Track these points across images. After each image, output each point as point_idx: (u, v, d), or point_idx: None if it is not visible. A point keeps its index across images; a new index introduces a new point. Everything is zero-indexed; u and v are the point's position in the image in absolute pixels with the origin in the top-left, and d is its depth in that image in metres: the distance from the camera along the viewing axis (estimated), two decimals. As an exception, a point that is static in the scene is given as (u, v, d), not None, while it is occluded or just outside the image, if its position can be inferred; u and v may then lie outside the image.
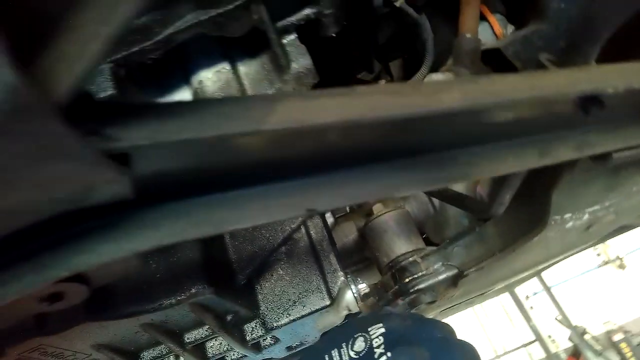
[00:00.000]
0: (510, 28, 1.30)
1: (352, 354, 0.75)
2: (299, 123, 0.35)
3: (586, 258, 7.74)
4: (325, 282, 1.00)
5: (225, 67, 0.81)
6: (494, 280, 1.28)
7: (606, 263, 7.95)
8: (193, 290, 0.80)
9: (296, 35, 0.78)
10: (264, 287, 0.98)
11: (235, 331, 0.95)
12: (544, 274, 6.58)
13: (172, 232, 0.41)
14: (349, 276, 1.07)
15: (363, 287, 1.11)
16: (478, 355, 0.79)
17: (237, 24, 0.69)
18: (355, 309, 1.08)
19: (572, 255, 1.44)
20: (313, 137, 0.44)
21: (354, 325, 0.86)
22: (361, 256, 1.32)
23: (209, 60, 0.81)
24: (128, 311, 0.77)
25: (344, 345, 0.77)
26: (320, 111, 0.36)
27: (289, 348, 1.15)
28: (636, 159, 0.60)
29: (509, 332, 7.80)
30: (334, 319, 1.07)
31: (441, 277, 1.06)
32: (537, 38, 0.99)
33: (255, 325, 0.98)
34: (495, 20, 1.28)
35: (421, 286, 1.07)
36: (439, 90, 0.39)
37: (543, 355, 7.16)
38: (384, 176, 0.48)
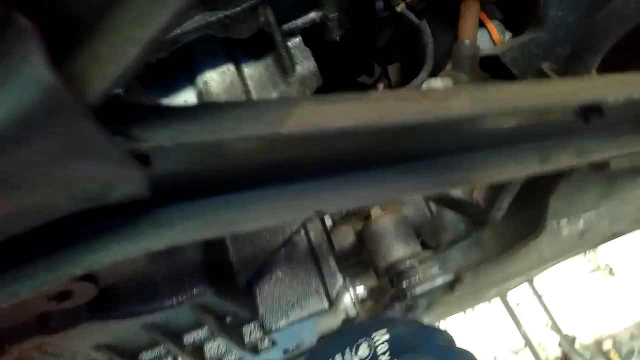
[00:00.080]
0: (508, 35, 1.33)
1: (355, 359, 0.76)
2: (314, 127, 0.36)
3: (576, 265, 7.80)
4: (324, 285, 1.01)
5: (229, 68, 0.82)
6: (490, 285, 1.29)
7: (596, 270, 8.02)
8: (195, 291, 0.80)
9: (301, 38, 0.79)
10: (263, 289, 0.98)
11: (234, 333, 0.95)
12: (534, 281, 6.62)
13: (185, 232, 0.42)
14: (347, 279, 1.08)
15: (361, 290, 1.11)
16: None
17: (243, 26, 0.70)
18: (353, 313, 1.08)
19: (564, 260, 1.46)
20: (324, 141, 0.44)
21: (357, 329, 0.86)
22: (358, 260, 1.33)
23: (214, 61, 0.82)
24: (129, 311, 0.77)
25: (347, 350, 0.78)
26: (334, 116, 0.37)
27: (286, 351, 1.15)
28: (633, 166, 0.61)
29: (499, 338, 7.83)
30: (332, 322, 1.08)
31: (438, 281, 1.07)
32: (535, 45, 1.01)
33: (254, 327, 0.98)
34: (493, 27, 1.30)
35: (418, 290, 1.08)
36: (449, 97, 0.40)
37: (533, 361, 7.19)
38: (391, 180, 0.49)
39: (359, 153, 0.47)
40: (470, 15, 1.22)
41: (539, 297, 6.98)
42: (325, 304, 0.99)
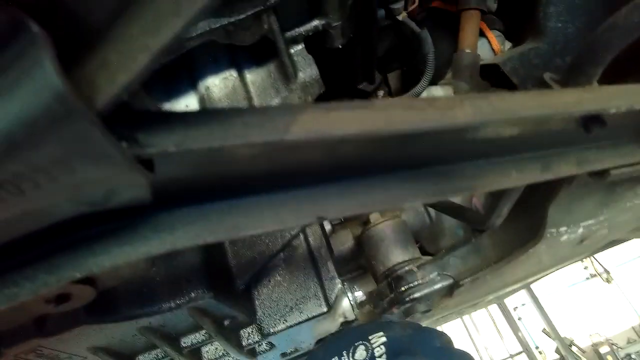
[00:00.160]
0: (508, 45, 1.34)
1: None
2: (319, 134, 0.36)
3: (574, 271, 7.83)
4: (323, 289, 1.00)
5: (232, 74, 0.82)
6: (488, 291, 1.29)
7: (593, 276, 8.05)
8: (193, 295, 0.80)
9: (304, 46, 0.79)
10: (261, 292, 0.98)
11: (232, 336, 0.95)
12: (532, 286, 6.64)
13: (187, 237, 0.42)
14: (345, 284, 1.08)
15: (360, 295, 1.11)
16: None
17: (247, 33, 0.70)
18: (351, 317, 1.08)
19: (562, 267, 1.47)
20: (327, 147, 0.45)
21: (354, 333, 0.86)
22: (357, 264, 1.34)
23: (217, 67, 0.82)
24: (127, 314, 0.77)
25: (344, 353, 0.78)
26: (340, 123, 0.37)
27: (283, 354, 1.15)
28: (633, 176, 0.62)
29: (497, 342, 7.84)
30: (330, 325, 1.08)
31: (437, 286, 1.07)
32: (534, 55, 1.02)
33: (252, 331, 0.98)
34: (493, 36, 1.31)
35: (417, 295, 1.08)
36: (453, 106, 0.40)
37: (530, 366, 7.20)
38: (393, 186, 0.49)
39: (361, 160, 0.47)
40: (470, 25, 1.23)
41: (537, 301, 7.00)
42: (324, 308, 0.99)
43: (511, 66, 1.03)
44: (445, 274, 1.08)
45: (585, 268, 8.06)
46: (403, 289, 1.09)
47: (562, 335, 6.88)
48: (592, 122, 0.52)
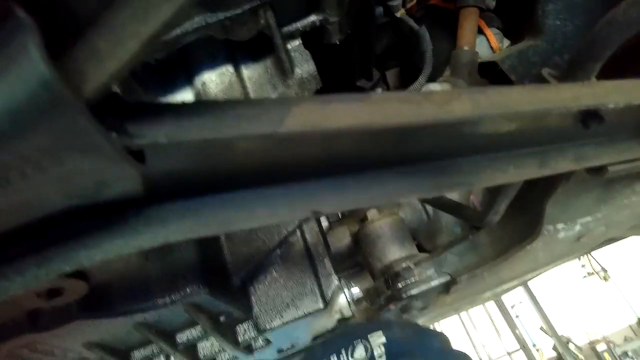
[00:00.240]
0: (507, 43, 1.33)
1: None
2: (314, 127, 0.36)
3: (571, 269, 7.86)
4: (319, 286, 1.00)
5: (229, 69, 0.82)
6: (485, 288, 1.29)
7: (591, 274, 8.08)
8: (188, 290, 0.80)
9: (301, 41, 0.79)
10: (258, 289, 0.98)
11: (227, 332, 0.94)
12: (529, 284, 6.67)
13: (179, 230, 0.41)
14: (342, 280, 1.07)
15: (356, 291, 1.11)
16: None
17: (244, 28, 0.70)
18: (348, 313, 1.08)
19: (559, 265, 1.47)
20: (322, 141, 0.44)
21: (353, 331, 0.86)
22: (354, 261, 1.33)
23: (213, 62, 0.81)
24: (122, 310, 0.76)
25: (342, 351, 0.77)
26: (334, 116, 0.37)
27: (280, 351, 1.15)
28: (630, 172, 0.61)
29: (494, 340, 7.87)
30: (326, 322, 1.07)
31: (433, 283, 1.07)
32: (533, 53, 1.02)
33: (248, 327, 0.98)
34: (492, 34, 1.30)
35: (413, 292, 1.08)
36: (450, 100, 0.40)
37: (527, 363, 7.23)
38: (389, 181, 0.49)
39: (357, 154, 0.47)
40: (469, 22, 1.23)
41: (534, 299, 7.04)
42: (320, 304, 0.99)
43: (509, 64, 1.03)
44: (442, 271, 1.08)
45: (583, 266, 8.09)
46: (400, 285, 1.09)
47: (560, 333, 6.91)
48: (590, 117, 0.51)
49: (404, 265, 1.11)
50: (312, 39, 0.84)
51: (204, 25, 0.67)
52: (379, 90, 1.41)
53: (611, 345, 7.31)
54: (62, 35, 0.24)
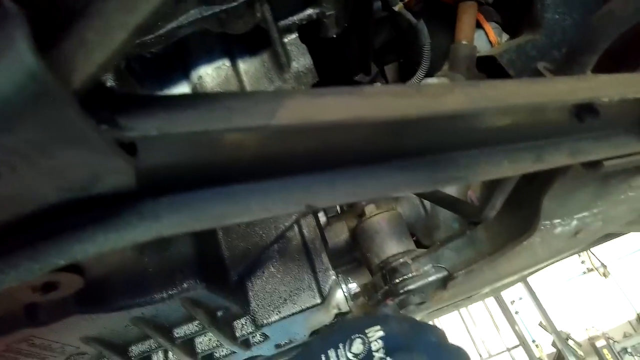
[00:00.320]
0: (505, 37, 1.33)
1: (349, 355, 0.76)
2: (306, 120, 0.35)
3: (571, 265, 7.87)
4: (317, 281, 1.00)
5: (225, 63, 0.82)
6: (483, 284, 1.29)
7: (590, 270, 8.09)
8: (185, 285, 0.80)
9: (297, 35, 0.78)
10: (255, 284, 0.98)
11: (225, 327, 0.95)
12: (529, 280, 6.67)
13: (172, 224, 0.41)
14: (339, 275, 1.08)
15: (353, 286, 1.11)
16: None
17: (240, 22, 0.70)
18: (345, 309, 1.08)
19: (558, 261, 1.47)
20: (316, 134, 0.44)
21: (350, 325, 0.86)
22: (352, 256, 1.33)
23: (210, 56, 0.81)
24: (119, 304, 0.76)
25: (340, 345, 0.77)
26: (326, 109, 0.37)
27: (277, 346, 1.15)
28: (626, 167, 0.61)
29: (494, 335, 7.89)
30: (324, 317, 1.08)
31: (431, 278, 1.07)
32: (531, 47, 1.01)
33: (245, 322, 0.98)
34: (490, 28, 1.30)
35: (411, 287, 1.08)
36: (443, 93, 0.40)
37: (526, 359, 7.25)
38: (384, 175, 0.49)
39: (352, 148, 0.47)
40: (467, 16, 1.22)
41: (534, 295, 7.04)
42: (318, 300, 0.99)
43: (508, 58, 1.03)
44: (439, 266, 1.08)
45: (583, 262, 8.10)
46: (397, 281, 1.09)
47: (559, 329, 6.92)
48: (585, 112, 0.51)
49: (401, 260, 1.11)
50: (309, 33, 0.84)
51: (200, 18, 0.67)
52: (378, 84, 1.41)
53: (610, 341, 7.33)
54: (50, 26, 0.24)
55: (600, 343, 7.27)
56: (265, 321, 0.97)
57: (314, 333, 1.16)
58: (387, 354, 0.74)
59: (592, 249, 7.05)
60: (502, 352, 7.87)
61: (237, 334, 0.97)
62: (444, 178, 0.52)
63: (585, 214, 0.88)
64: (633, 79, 0.48)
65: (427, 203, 1.31)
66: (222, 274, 0.93)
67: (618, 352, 7.20)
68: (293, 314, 0.98)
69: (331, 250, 1.21)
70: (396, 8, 1.15)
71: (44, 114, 0.25)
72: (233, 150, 0.42)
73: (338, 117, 0.38)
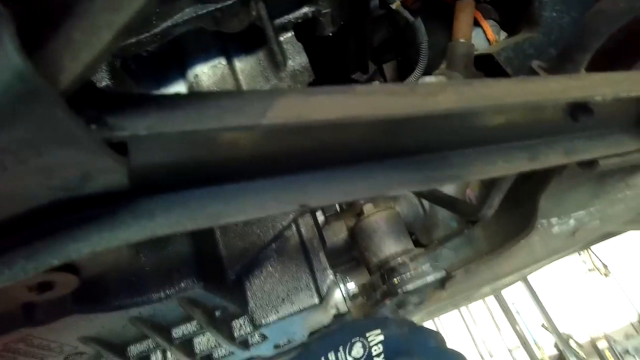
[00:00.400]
0: (504, 35, 1.33)
1: (349, 359, 0.76)
2: (297, 119, 0.36)
3: (572, 265, 7.85)
4: (315, 281, 1.00)
5: (221, 62, 0.82)
6: (481, 283, 1.29)
7: (591, 270, 8.07)
8: (182, 285, 0.80)
9: (293, 33, 0.78)
10: (253, 283, 0.98)
11: (223, 327, 0.95)
12: (530, 280, 6.66)
13: (166, 224, 0.41)
14: (338, 275, 1.08)
15: (352, 286, 1.11)
16: None
17: (235, 20, 0.70)
18: (343, 308, 1.08)
19: (556, 260, 1.47)
20: (309, 134, 0.44)
21: (350, 328, 0.86)
22: (350, 256, 1.33)
23: (206, 55, 0.81)
24: (116, 304, 0.77)
25: (340, 348, 0.78)
26: (318, 108, 0.37)
27: (276, 346, 1.15)
28: (622, 166, 0.61)
29: (495, 336, 7.88)
30: (322, 317, 1.08)
31: (429, 278, 1.07)
32: (529, 45, 1.01)
33: (244, 322, 0.98)
34: (488, 26, 1.30)
35: (409, 287, 1.08)
36: (435, 92, 0.40)
37: (528, 360, 7.24)
38: (377, 174, 0.49)
39: (344, 147, 0.47)
40: (465, 14, 1.22)
41: (535, 296, 7.02)
42: (316, 299, 0.99)
43: (505, 56, 1.03)
44: (437, 265, 1.08)
45: (584, 262, 8.08)
46: (395, 280, 1.09)
47: (561, 330, 6.91)
48: (579, 110, 0.51)
49: (399, 260, 1.11)
50: (306, 31, 0.84)
51: (195, 17, 0.67)
52: (376, 82, 1.41)
53: (612, 342, 7.31)
54: (35, 23, 0.24)
55: (602, 344, 7.26)
56: (263, 321, 0.97)
57: (312, 334, 1.16)
58: (386, 358, 0.74)
59: (593, 249, 7.04)
60: (504, 352, 7.86)
61: (236, 334, 0.98)
62: (438, 177, 0.52)
63: (582, 212, 0.88)
64: (626, 77, 0.48)
65: (425, 202, 1.31)
66: (219, 273, 0.93)
67: (620, 354, 7.18)
68: (291, 314, 0.98)
69: (329, 250, 1.21)
70: (393, 6, 1.15)
71: (31, 113, 0.25)
72: (227, 150, 0.42)
73: (330, 116, 0.38)
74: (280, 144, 0.44)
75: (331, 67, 1.07)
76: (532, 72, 0.68)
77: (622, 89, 0.47)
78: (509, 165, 0.55)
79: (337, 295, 1.08)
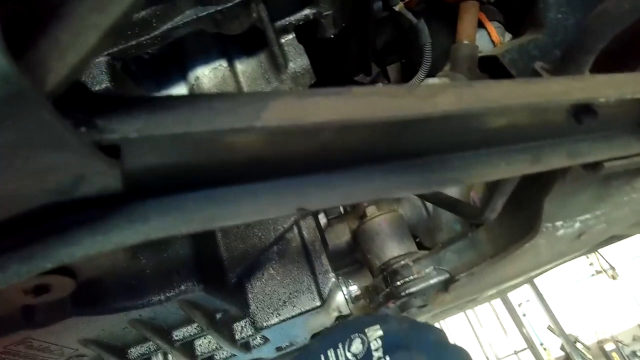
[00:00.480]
0: (508, 36, 1.32)
1: (348, 355, 0.75)
2: (292, 121, 0.35)
3: (579, 267, 7.79)
4: (316, 283, 1.00)
5: (222, 64, 0.81)
6: (485, 286, 1.28)
7: (599, 273, 8.00)
8: (182, 287, 0.79)
9: (294, 35, 0.78)
10: (254, 286, 0.98)
11: (224, 330, 0.94)
12: (536, 282, 6.61)
13: (161, 227, 0.41)
14: (340, 278, 1.07)
15: (354, 289, 1.11)
16: None
17: (236, 22, 0.69)
18: (345, 311, 1.08)
19: (562, 263, 1.45)
20: (306, 136, 0.44)
21: (350, 325, 0.86)
22: (353, 258, 1.33)
23: (207, 57, 0.81)
24: (116, 306, 0.76)
25: (340, 345, 0.77)
26: (314, 110, 0.36)
27: (278, 348, 1.15)
28: (627, 168, 0.60)
29: (501, 338, 7.82)
30: (324, 320, 1.07)
31: (432, 281, 1.06)
32: (534, 47, 1.00)
33: (245, 325, 0.98)
34: (493, 28, 1.29)
35: (412, 290, 1.07)
36: (435, 94, 0.39)
37: (535, 363, 7.18)
38: (376, 178, 0.48)
39: (344, 149, 0.46)
40: (469, 16, 1.21)
41: (542, 298, 6.97)
42: (317, 302, 0.98)
43: (510, 58, 1.02)
44: (441, 268, 1.07)
45: (591, 264, 8.01)
46: (398, 283, 1.08)
47: (567, 332, 6.85)
48: (582, 112, 0.50)
49: (402, 262, 1.10)
50: (308, 33, 0.84)
51: (195, 19, 0.67)
52: (379, 84, 1.40)
53: (619, 344, 7.24)
54: (21, 25, 0.23)
55: (609, 346, 7.19)
56: (264, 324, 0.96)
57: (315, 336, 1.16)
58: (386, 353, 0.73)
59: (600, 251, 6.98)
60: (510, 354, 7.80)
61: (237, 337, 0.97)
62: (438, 180, 0.51)
63: (587, 216, 0.86)
64: (631, 79, 0.47)
65: (429, 204, 1.30)
66: (220, 275, 0.93)
67: (627, 356, 7.11)
68: (292, 316, 0.97)
69: (332, 252, 1.20)
70: (397, 8, 1.15)
71: (17, 116, 0.24)
72: (223, 152, 0.42)
73: (327, 119, 0.37)
74: (277, 146, 0.44)
75: (333, 69, 1.06)
76: (535, 74, 0.67)
77: (626, 90, 0.46)
78: (511, 168, 0.54)
79: (339, 297, 1.08)
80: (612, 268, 7.84)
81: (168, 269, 0.80)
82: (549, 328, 7.01)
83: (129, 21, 0.63)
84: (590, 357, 6.79)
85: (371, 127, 0.46)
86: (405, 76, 1.51)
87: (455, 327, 7.48)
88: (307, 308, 0.98)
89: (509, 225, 0.95)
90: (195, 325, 0.93)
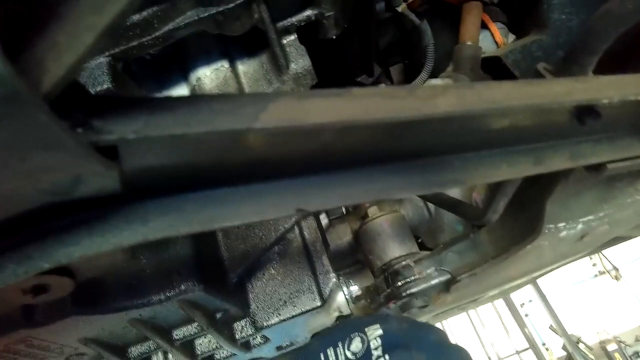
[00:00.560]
0: (512, 37, 1.31)
1: (348, 354, 0.75)
2: (291, 122, 0.35)
3: (582, 268, 7.76)
4: (317, 283, 1.00)
5: (224, 65, 0.81)
6: (487, 287, 1.28)
7: (602, 273, 7.97)
8: (183, 287, 0.80)
9: (296, 36, 0.78)
10: (255, 286, 0.97)
11: (224, 329, 0.94)
12: (539, 282, 6.59)
13: (160, 228, 0.41)
14: (341, 278, 1.07)
15: (355, 289, 1.10)
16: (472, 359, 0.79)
17: (237, 23, 0.69)
18: (346, 311, 1.08)
19: (565, 264, 1.44)
20: (306, 137, 0.43)
21: (350, 324, 0.86)
22: (355, 259, 1.32)
23: (208, 58, 0.81)
24: (116, 306, 0.76)
25: (339, 344, 0.77)
26: (314, 111, 0.36)
27: (278, 348, 1.15)
28: (630, 170, 0.60)
29: (503, 338, 7.81)
30: (324, 320, 1.07)
31: (434, 281, 1.06)
32: (537, 48, 1.00)
33: (245, 324, 0.97)
34: (496, 29, 1.28)
35: (413, 290, 1.06)
36: (435, 95, 0.39)
37: (537, 363, 7.16)
38: (377, 178, 0.48)
39: (342, 151, 0.46)
40: (472, 17, 1.21)
41: (544, 298, 6.95)
42: (318, 302, 0.98)
43: (513, 59, 1.01)
44: (442, 269, 1.07)
45: (594, 265, 7.99)
46: (400, 283, 1.08)
47: (570, 333, 6.82)
48: (585, 113, 0.50)
49: (404, 263, 1.10)
50: (310, 34, 0.83)
51: (197, 20, 0.67)
52: (382, 85, 1.40)
53: (622, 345, 7.21)
54: (17, 26, 0.23)
55: (611, 347, 7.16)
56: (265, 323, 0.96)
57: (315, 335, 1.15)
58: (385, 352, 0.73)
59: (604, 252, 6.95)
60: (512, 354, 7.78)
61: (237, 336, 0.97)
62: (440, 181, 0.51)
63: (590, 217, 0.86)
64: (634, 80, 0.47)
65: (431, 205, 1.29)
66: (221, 275, 0.93)
67: (630, 356, 7.08)
68: (293, 316, 0.97)
69: (334, 253, 1.20)
70: (399, 9, 1.14)
71: (13, 117, 0.24)
72: (223, 153, 0.41)
73: (326, 120, 0.37)
74: (277, 147, 0.43)
75: (335, 70, 1.06)
76: (538, 75, 0.67)
77: (629, 91, 0.45)
78: (513, 170, 0.54)
79: (340, 297, 1.08)
80: (616, 269, 7.81)
81: (168, 269, 0.80)
82: (551, 328, 6.99)
83: (126, 22, 0.63)
84: (592, 357, 6.77)
85: (372, 128, 0.45)
86: (408, 77, 1.50)
87: (457, 327, 7.47)
88: (308, 308, 0.98)
89: (511, 226, 0.94)
90: (195, 324, 0.93)
